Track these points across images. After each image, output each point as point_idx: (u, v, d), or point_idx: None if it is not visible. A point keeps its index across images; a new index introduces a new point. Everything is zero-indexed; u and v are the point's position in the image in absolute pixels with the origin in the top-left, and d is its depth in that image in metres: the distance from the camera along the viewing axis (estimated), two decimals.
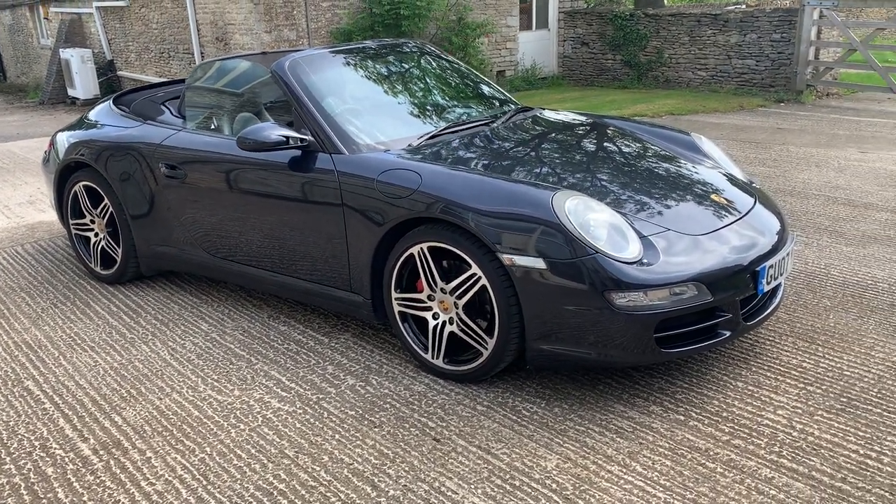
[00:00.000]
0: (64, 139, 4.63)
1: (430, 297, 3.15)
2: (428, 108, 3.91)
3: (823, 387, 3.03)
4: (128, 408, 3.14)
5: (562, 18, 14.28)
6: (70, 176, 4.54)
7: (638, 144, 3.79)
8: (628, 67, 13.24)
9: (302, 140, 3.43)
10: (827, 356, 3.27)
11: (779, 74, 11.17)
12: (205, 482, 2.61)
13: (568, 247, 2.75)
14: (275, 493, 2.54)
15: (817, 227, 5.01)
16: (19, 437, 2.96)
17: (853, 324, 3.57)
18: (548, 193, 2.88)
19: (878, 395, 2.95)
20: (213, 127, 4.07)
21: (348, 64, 4.05)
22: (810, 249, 4.58)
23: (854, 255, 4.47)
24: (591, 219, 2.84)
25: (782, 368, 3.19)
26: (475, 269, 2.94)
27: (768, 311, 3.16)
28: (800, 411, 2.86)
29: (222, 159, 3.78)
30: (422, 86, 4.08)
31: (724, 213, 3.16)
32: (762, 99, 10.69)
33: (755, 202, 3.35)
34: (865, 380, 3.07)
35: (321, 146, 3.44)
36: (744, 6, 15.29)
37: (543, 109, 4.29)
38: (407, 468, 2.63)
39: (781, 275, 3.13)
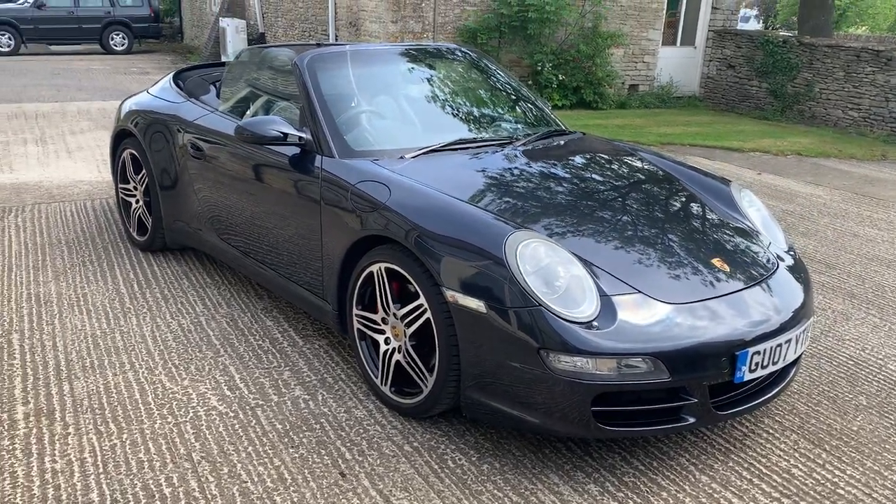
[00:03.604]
0: (125, 107, 4.81)
1: (383, 320, 2.97)
2: (443, 120, 3.71)
3: (802, 502, 2.57)
4: (82, 378, 3.19)
5: (711, 37, 13.46)
6: (121, 142, 4.71)
7: (662, 187, 3.40)
8: (773, 97, 12.27)
9: (300, 138, 3.34)
10: (827, 466, 2.79)
11: None
12: (101, 470, 2.58)
13: (511, 293, 2.49)
14: (156, 496, 2.46)
15: None
16: None
17: (881, 432, 3.03)
18: (506, 230, 2.62)
19: None
20: (247, 113, 4.06)
21: (378, 65, 3.92)
22: (877, 334, 3.97)
23: None
24: (548, 266, 2.55)
25: (764, 470, 2.75)
26: (422, 299, 2.73)
27: (755, 402, 2.72)
28: None
29: (236, 146, 3.75)
30: (446, 96, 3.88)
31: (718, 281, 2.75)
32: None
33: (769, 275, 2.89)
34: None
35: (316, 146, 3.33)
36: None
37: (584, 135, 3.96)
38: (296, 499, 2.48)
39: (774, 364, 2.68)
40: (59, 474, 2.55)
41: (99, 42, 19.54)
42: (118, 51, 19.62)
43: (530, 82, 11.68)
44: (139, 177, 4.58)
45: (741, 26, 27.44)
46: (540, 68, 11.37)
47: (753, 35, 12.98)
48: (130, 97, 4.97)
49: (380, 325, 2.99)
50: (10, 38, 18.22)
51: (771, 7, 32.76)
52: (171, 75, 4.84)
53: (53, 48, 19.86)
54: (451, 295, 2.60)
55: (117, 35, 19.72)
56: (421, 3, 10.94)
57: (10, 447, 2.69)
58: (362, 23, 11.61)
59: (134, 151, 4.56)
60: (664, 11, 13.07)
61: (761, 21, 32.55)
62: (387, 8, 10.90)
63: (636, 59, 12.96)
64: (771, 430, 3.01)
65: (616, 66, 12.39)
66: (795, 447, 2.90)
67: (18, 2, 19.59)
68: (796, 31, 13.70)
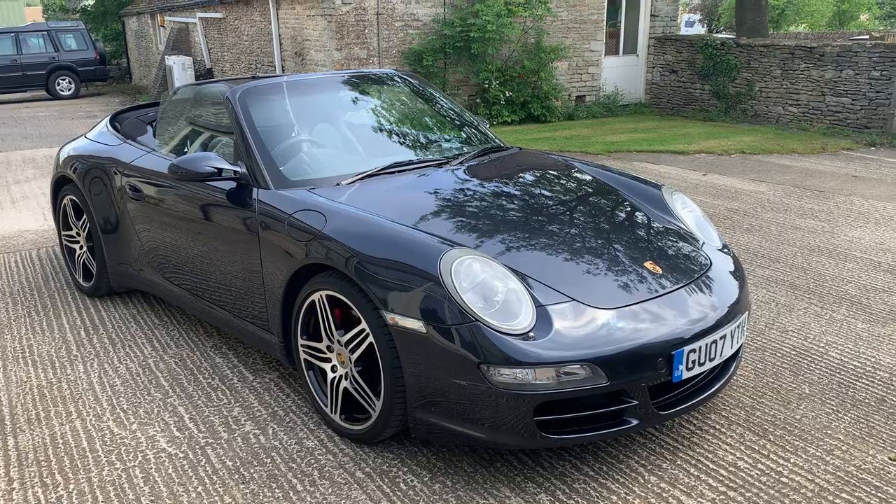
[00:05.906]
0: (63, 153, 4.77)
1: (329, 348, 2.98)
2: (380, 145, 3.74)
3: (748, 493, 2.63)
4: (27, 431, 3.14)
5: (652, 44, 13.75)
6: (61, 189, 4.66)
7: (594, 196, 3.47)
8: (716, 99, 12.56)
9: (235, 172, 3.34)
10: (771, 456, 2.85)
11: (875, 115, 10.26)
12: None
13: (449, 311, 2.51)
14: None
15: (840, 296, 4.46)
16: None
17: (823, 419, 3.11)
18: (440, 249, 2.65)
19: None
20: (185, 151, 4.06)
21: (315, 94, 3.95)
22: (818, 322, 4.08)
23: (868, 334, 3.93)
24: (485, 282, 2.58)
25: (711, 465, 2.80)
26: (364, 324, 2.75)
27: (696, 399, 2.78)
28: None
29: (173, 185, 3.74)
30: (384, 122, 3.92)
31: (651, 283, 2.81)
32: (851, 141, 9.83)
33: (702, 274, 2.97)
34: (802, 491, 2.64)
35: (252, 179, 3.34)
36: (867, 38, 14.23)
37: (520, 149, 4.03)
38: None
39: (711, 360, 2.74)
40: None
41: (45, 88, 19.30)
42: (65, 96, 19.40)
43: (478, 100, 11.81)
44: (81, 222, 4.54)
45: (688, 31, 28.10)
46: (487, 86, 11.51)
47: (693, 39, 13.29)
48: (68, 143, 4.93)
49: (325, 353, 3.00)
50: None
51: (713, 11, 33.62)
52: (107, 118, 4.81)
53: None
54: (391, 318, 2.62)
55: (63, 80, 19.51)
56: (364, 29, 11.02)
57: None
58: (307, 52, 11.65)
59: (74, 197, 4.52)
60: (605, 22, 13.34)
61: (705, 25, 33.41)
62: (330, 36, 10.96)
63: (581, 70, 13.18)
64: (718, 426, 3.07)
65: (561, 78, 12.59)
66: (741, 440, 2.96)
67: None
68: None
